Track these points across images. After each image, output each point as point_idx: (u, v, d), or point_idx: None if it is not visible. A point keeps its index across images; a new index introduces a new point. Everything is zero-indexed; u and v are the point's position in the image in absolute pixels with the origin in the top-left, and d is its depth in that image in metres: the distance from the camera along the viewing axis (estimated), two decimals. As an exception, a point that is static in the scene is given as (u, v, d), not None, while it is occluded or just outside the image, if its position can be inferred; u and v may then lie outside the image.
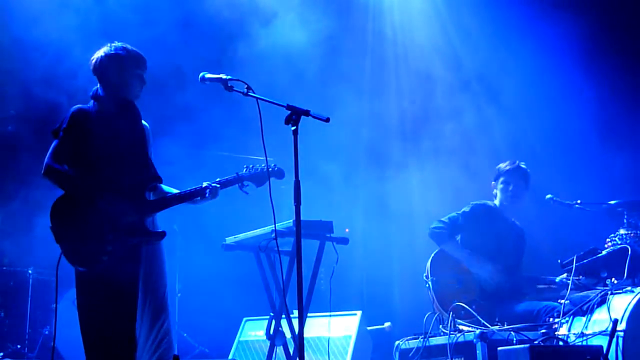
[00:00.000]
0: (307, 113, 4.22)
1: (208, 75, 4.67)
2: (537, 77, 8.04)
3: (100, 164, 4.62)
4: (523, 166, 6.40)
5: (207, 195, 4.87)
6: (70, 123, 4.67)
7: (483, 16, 8.24)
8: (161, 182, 4.83)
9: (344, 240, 5.94)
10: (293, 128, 4.19)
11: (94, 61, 4.80)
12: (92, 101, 4.79)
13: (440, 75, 8.64)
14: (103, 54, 4.78)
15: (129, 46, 4.84)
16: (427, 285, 6.05)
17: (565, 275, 6.03)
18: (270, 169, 5.00)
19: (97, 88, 4.81)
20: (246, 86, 4.47)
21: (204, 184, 4.88)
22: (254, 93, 4.44)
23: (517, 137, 8.08)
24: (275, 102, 4.33)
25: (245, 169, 5.08)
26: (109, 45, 4.82)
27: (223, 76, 4.60)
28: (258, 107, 4.36)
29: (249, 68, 7.84)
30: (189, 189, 4.88)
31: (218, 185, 4.93)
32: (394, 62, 8.99)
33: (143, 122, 4.93)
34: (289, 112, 4.22)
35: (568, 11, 7.85)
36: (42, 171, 4.63)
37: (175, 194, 4.89)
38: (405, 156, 8.58)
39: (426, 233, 6.32)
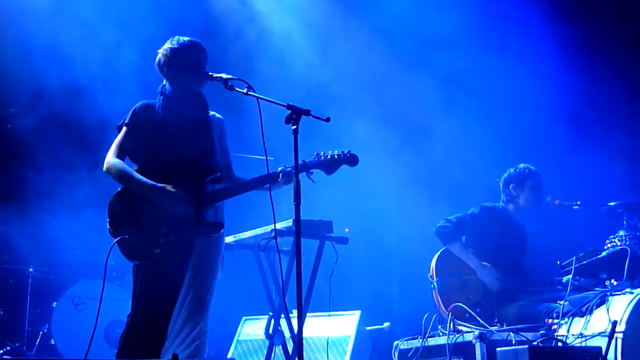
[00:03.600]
0: (307, 112, 4.22)
1: (210, 74, 4.68)
2: (535, 77, 8.03)
3: (159, 157, 4.69)
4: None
5: (279, 179, 4.76)
6: (132, 118, 4.76)
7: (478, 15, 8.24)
8: (218, 173, 4.78)
9: (343, 240, 5.94)
10: (293, 127, 4.20)
11: (158, 57, 4.84)
12: (159, 96, 4.83)
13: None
14: (167, 49, 4.82)
15: (183, 37, 4.85)
16: (432, 286, 6.06)
17: (570, 276, 6.03)
18: (343, 156, 4.80)
19: (164, 84, 4.86)
20: (247, 85, 4.47)
21: (279, 169, 4.77)
22: (254, 92, 4.44)
23: (516, 138, 8.07)
24: (276, 101, 4.33)
25: (314, 156, 4.82)
26: (171, 39, 4.85)
27: (224, 75, 4.61)
28: (259, 106, 4.36)
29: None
30: (259, 175, 4.80)
31: (293, 170, 4.55)
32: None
33: (216, 114, 4.98)
34: (290, 111, 4.23)
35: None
36: (103, 166, 4.70)
37: (242, 182, 4.88)
38: (403, 153, 8.60)
39: (426, 234, 6.33)
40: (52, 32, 7.53)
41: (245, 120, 7.05)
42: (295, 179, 4.18)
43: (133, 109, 4.81)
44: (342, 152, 4.81)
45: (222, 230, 4.82)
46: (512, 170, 6.46)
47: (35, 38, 7.55)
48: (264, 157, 4.47)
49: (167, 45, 4.84)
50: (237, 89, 4.54)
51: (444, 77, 8.39)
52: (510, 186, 6.42)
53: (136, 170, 4.71)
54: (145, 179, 4.63)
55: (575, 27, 7.96)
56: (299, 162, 4.50)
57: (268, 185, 4.75)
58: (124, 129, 4.78)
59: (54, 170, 7.93)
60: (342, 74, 8.63)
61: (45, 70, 7.64)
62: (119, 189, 4.69)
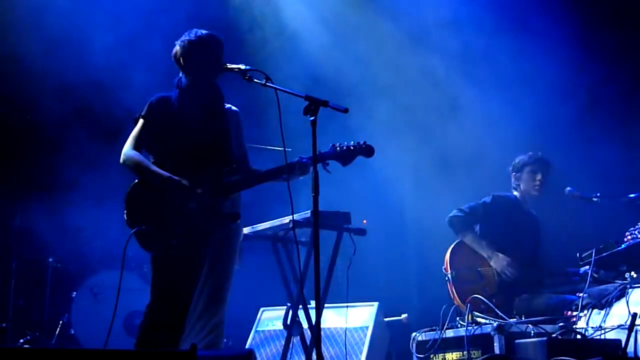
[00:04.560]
0: (325, 103, 4.22)
1: (227, 65, 4.68)
2: (559, 69, 7.97)
3: (175, 149, 4.73)
4: (545, 157, 6.39)
5: (296, 170, 4.77)
6: (148, 110, 4.82)
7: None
8: (234, 165, 4.81)
9: (361, 231, 5.93)
10: (312, 119, 4.19)
11: (175, 49, 4.87)
12: (175, 89, 4.87)
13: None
14: (184, 41, 4.84)
15: (200, 31, 4.87)
16: (447, 279, 6.04)
17: (587, 267, 6.01)
18: (359, 147, 4.80)
19: (180, 77, 4.89)
20: (265, 76, 4.47)
21: (296, 159, 4.79)
22: (272, 83, 4.44)
23: (536, 130, 8.02)
24: (294, 92, 4.33)
25: (331, 147, 4.82)
26: (188, 32, 4.87)
27: (242, 66, 4.62)
28: (277, 97, 4.37)
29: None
30: (275, 166, 4.83)
31: (309, 161, 4.70)
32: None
33: (232, 107, 5.00)
34: (307, 102, 4.22)
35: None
36: (121, 159, 4.76)
37: (258, 173, 4.92)
38: (421, 146, 8.59)
39: (444, 225, 6.32)
40: (77, 25, 7.59)
41: (260, 111, 7.13)
42: (313, 170, 4.18)
43: (149, 101, 4.85)
44: (358, 143, 4.81)
45: (239, 221, 4.84)
46: (518, 157, 6.46)
47: (61, 31, 7.61)
48: (282, 149, 4.48)
49: (185, 37, 4.86)
50: (255, 80, 4.54)
51: (458, 61, 8.39)
52: (513, 173, 6.45)
53: (152, 162, 4.75)
54: (161, 171, 4.67)
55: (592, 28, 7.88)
56: (317, 154, 4.52)
57: (286, 176, 4.75)
58: (141, 121, 4.83)
59: (77, 162, 7.99)
60: (358, 62, 8.63)
61: (72, 63, 7.70)
62: (136, 180, 4.73)
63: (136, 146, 4.78)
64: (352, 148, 4.78)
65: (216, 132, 4.84)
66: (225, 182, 4.78)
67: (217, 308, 4.74)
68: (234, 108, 5.03)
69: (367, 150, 4.82)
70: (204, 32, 4.87)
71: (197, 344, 4.46)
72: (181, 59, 4.83)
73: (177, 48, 4.86)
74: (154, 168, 4.69)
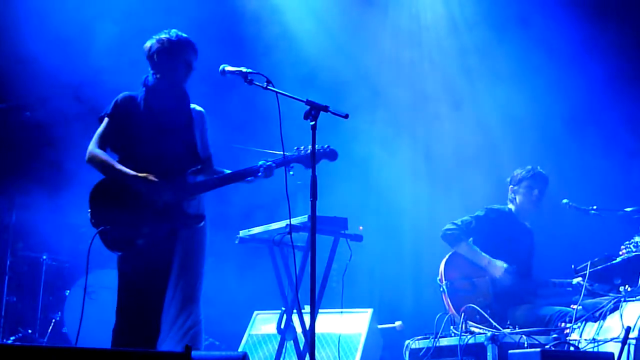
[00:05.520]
0: (325, 108, 4.23)
1: (228, 68, 4.69)
2: (553, 79, 7.99)
3: (141, 148, 4.73)
4: (543, 172, 6.39)
5: (260, 173, 4.84)
6: (114, 109, 4.81)
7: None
8: (201, 165, 4.85)
9: (358, 238, 5.93)
10: (312, 123, 4.20)
11: (145, 48, 4.88)
12: (142, 88, 4.87)
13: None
14: (154, 40, 4.86)
15: (179, 32, 4.89)
16: (442, 290, 6.05)
17: (580, 278, 6.03)
18: (322, 150, 4.90)
19: (148, 75, 4.89)
20: (266, 80, 4.47)
21: (260, 162, 4.86)
22: (273, 87, 4.45)
23: (533, 141, 8.04)
24: (295, 96, 4.33)
25: (294, 150, 4.92)
26: (167, 31, 4.88)
27: (243, 69, 4.62)
28: (277, 101, 4.37)
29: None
30: (241, 168, 4.88)
31: (273, 164, 4.86)
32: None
33: (197, 107, 5.00)
34: (308, 107, 4.23)
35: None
36: (85, 157, 4.74)
37: (223, 174, 4.93)
38: (416, 155, 8.61)
39: (438, 234, 6.32)
40: (83, 23, 7.62)
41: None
42: (312, 174, 4.19)
43: (115, 99, 4.84)
44: (322, 147, 4.89)
45: (204, 222, 4.83)
46: (517, 170, 6.46)
47: (65, 29, 7.63)
48: (281, 152, 4.51)
49: (164, 35, 4.86)
50: (256, 83, 4.55)
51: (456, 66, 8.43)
52: (510, 186, 6.46)
53: (117, 161, 4.73)
54: (126, 169, 4.65)
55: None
56: (279, 157, 4.79)
57: (251, 178, 4.85)
58: (106, 119, 4.81)
59: (73, 159, 7.97)
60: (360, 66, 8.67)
61: (75, 61, 7.70)
62: (101, 179, 4.71)
63: (101, 144, 4.75)
64: (315, 151, 4.82)
65: (182, 132, 4.84)
66: (191, 183, 4.79)
67: (192, 308, 4.71)
68: (198, 108, 5.02)
69: (331, 154, 4.93)
70: (183, 34, 4.89)
71: (176, 344, 4.49)
72: (156, 55, 4.82)
73: (153, 43, 4.85)
74: (120, 166, 4.67)
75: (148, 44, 4.87)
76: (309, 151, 4.81)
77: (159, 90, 4.84)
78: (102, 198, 4.66)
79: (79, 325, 4.56)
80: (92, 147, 4.74)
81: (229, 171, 4.98)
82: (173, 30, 4.89)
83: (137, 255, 4.60)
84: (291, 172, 4.83)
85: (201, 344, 4.72)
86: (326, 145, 4.93)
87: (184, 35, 4.90)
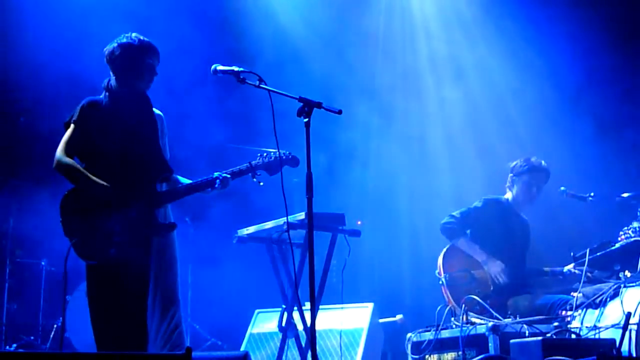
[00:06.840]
0: (319, 105, 4.22)
1: (220, 68, 4.66)
2: (550, 71, 8.00)
3: (109, 156, 4.63)
4: (545, 165, 6.36)
5: (217, 185, 4.82)
6: (80, 115, 4.70)
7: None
8: (171, 173, 4.84)
9: (356, 233, 5.92)
10: (305, 120, 4.19)
11: (107, 52, 4.80)
12: (104, 92, 4.79)
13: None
14: (115, 44, 4.78)
15: (141, 36, 4.83)
16: (441, 282, 6.05)
17: (572, 265, 6.04)
18: (284, 157, 4.90)
19: (109, 79, 4.81)
20: (258, 78, 4.45)
21: (215, 174, 4.86)
22: (266, 85, 4.43)
23: (530, 130, 8.05)
24: (288, 94, 4.32)
25: (258, 158, 4.95)
26: (129, 34, 4.82)
27: (235, 68, 4.59)
28: (270, 99, 4.35)
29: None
30: (199, 179, 4.87)
31: (229, 176, 4.87)
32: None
33: (157, 111, 4.94)
34: (301, 104, 4.22)
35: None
36: (53, 164, 4.66)
37: (186, 184, 4.90)
38: (411, 147, 8.62)
39: (436, 226, 6.32)
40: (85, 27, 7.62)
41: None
42: (307, 171, 4.17)
43: (81, 105, 4.74)
44: (284, 153, 4.90)
45: (174, 230, 4.84)
46: (519, 160, 6.43)
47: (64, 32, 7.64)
48: (276, 150, 4.49)
49: (126, 40, 4.78)
50: (248, 82, 4.53)
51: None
52: (510, 174, 6.43)
53: (84, 169, 4.65)
54: (95, 178, 4.58)
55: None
56: (245, 165, 4.86)
57: (209, 189, 4.85)
58: (72, 126, 4.71)
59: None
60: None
61: (74, 63, 7.68)
62: (70, 188, 4.64)
63: (68, 152, 4.65)
64: (277, 158, 4.87)
65: (149, 139, 4.77)
66: (160, 192, 4.77)
67: (172, 310, 4.72)
68: (157, 112, 4.96)
69: (292, 161, 4.97)
70: (145, 38, 4.83)
71: (162, 347, 4.49)
72: (118, 59, 4.75)
73: (114, 47, 4.77)
74: (88, 175, 4.59)
75: (109, 48, 4.79)
76: (272, 158, 4.90)
77: (123, 95, 4.75)
78: (72, 207, 4.58)
79: (62, 332, 4.52)
80: (60, 155, 4.64)
81: (186, 179, 4.95)
82: (134, 34, 4.81)
83: (113, 266, 4.52)
84: (261, 183, 4.89)
85: (185, 342, 4.71)
86: (288, 152, 4.95)
87: (146, 38, 4.82)
